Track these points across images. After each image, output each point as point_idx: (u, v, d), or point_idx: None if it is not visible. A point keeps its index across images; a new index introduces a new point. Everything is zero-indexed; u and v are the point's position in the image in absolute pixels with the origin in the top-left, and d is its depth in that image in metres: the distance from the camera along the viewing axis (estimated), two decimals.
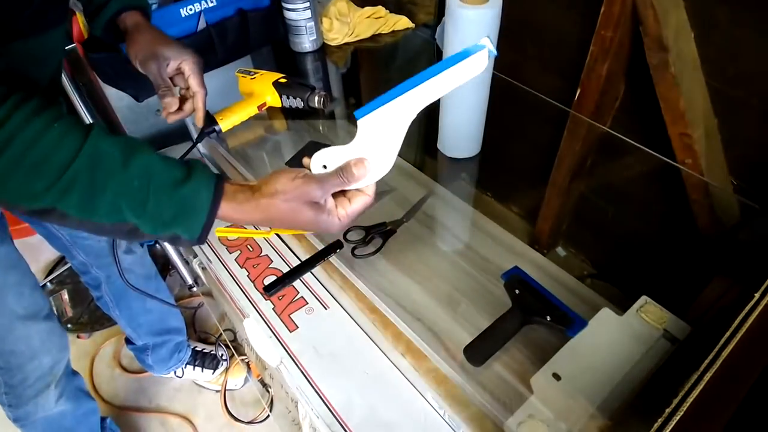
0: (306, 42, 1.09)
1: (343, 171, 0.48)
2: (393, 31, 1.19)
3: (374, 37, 1.18)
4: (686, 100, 0.70)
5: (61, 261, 1.62)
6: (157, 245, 1.23)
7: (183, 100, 0.72)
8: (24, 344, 0.78)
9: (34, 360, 0.80)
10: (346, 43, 1.15)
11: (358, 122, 0.46)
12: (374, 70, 1.17)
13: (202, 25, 0.96)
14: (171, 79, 0.70)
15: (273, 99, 0.83)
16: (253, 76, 0.84)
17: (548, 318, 0.58)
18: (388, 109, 0.44)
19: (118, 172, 0.40)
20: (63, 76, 0.84)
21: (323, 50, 1.14)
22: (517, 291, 0.62)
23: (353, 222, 0.51)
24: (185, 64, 0.69)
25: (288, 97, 0.82)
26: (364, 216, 0.53)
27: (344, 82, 1.12)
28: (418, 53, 1.19)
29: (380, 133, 0.46)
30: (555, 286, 0.67)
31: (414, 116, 0.44)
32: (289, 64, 1.12)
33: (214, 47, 1.00)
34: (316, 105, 0.81)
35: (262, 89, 0.83)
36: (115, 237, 0.46)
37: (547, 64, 0.98)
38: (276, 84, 0.82)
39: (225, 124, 0.79)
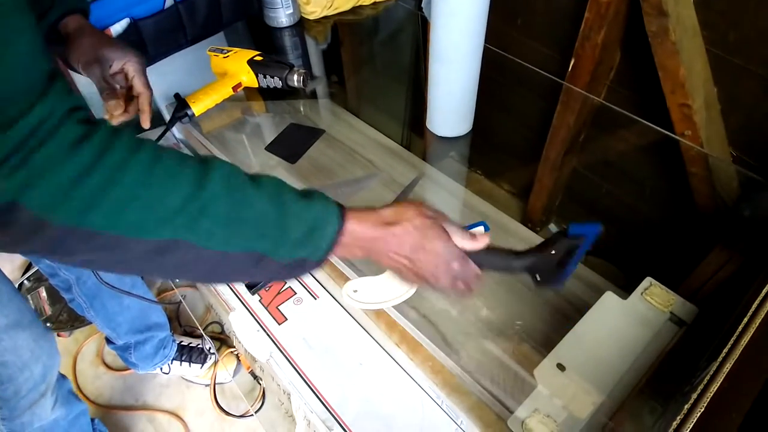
0: (282, 16, 1.03)
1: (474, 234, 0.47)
2: (374, 3, 1.13)
3: (355, 10, 1.12)
4: (686, 69, 0.68)
5: None
6: None
7: (127, 101, 0.70)
8: (12, 354, 0.76)
9: (25, 370, 0.78)
10: (325, 17, 1.10)
11: None
12: (357, 45, 1.12)
13: (169, 2, 0.90)
14: (113, 79, 0.68)
15: (249, 79, 0.78)
16: (226, 55, 0.79)
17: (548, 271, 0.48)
18: None
19: (252, 187, 0.36)
20: None
21: (301, 25, 1.08)
22: (552, 250, 0.48)
23: (464, 277, 0.47)
24: (129, 65, 0.68)
25: (265, 77, 0.77)
26: (353, 201, 0.50)
27: (325, 58, 1.07)
28: (402, 25, 1.14)
29: None
30: None
31: None
32: (265, 40, 1.07)
33: (183, 25, 0.94)
34: (296, 84, 0.76)
35: (237, 68, 0.78)
36: (234, 276, 0.41)
37: (539, 35, 0.94)
38: (251, 62, 0.77)
39: (198, 107, 0.74)
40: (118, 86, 0.69)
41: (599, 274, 0.65)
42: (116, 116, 0.68)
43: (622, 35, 0.78)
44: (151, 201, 0.32)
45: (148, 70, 0.87)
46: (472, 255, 0.47)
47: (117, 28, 0.86)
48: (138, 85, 0.69)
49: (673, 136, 0.75)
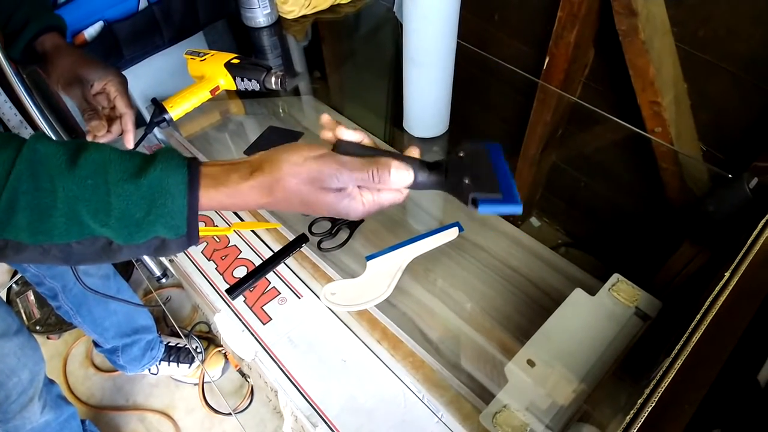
0: (260, 16, 1.03)
1: (378, 167, 0.40)
2: (352, 1, 1.13)
3: (333, 8, 1.12)
4: (656, 67, 0.69)
5: None
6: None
7: (109, 120, 0.69)
8: (0, 363, 0.78)
9: (13, 377, 0.80)
10: (304, 16, 1.09)
11: (368, 264, 0.60)
12: (336, 43, 1.12)
13: (143, 4, 0.89)
14: (95, 99, 0.67)
15: (227, 82, 0.78)
16: (203, 58, 0.79)
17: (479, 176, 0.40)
18: (386, 257, 0.60)
19: (65, 174, 0.33)
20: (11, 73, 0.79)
21: (279, 24, 1.08)
22: (472, 151, 0.43)
23: (378, 211, 0.42)
24: (110, 84, 0.66)
25: (243, 80, 0.76)
26: None
27: (306, 55, 1.06)
28: (381, 23, 1.14)
29: (382, 271, 0.60)
30: (530, 257, 0.67)
31: (405, 263, 0.57)
32: (244, 40, 1.06)
33: (159, 27, 0.93)
34: (273, 86, 0.76)
35: (214, 72, 0.77)
36: (90, 261, 0.37)
37: (515, 32, 0.95)
38: (228, 65, 0.77)
39: (176, 112, 0.74)
40: (99, 106, 0.68)
41: (578, 265, 0.67)
42: (99, 137, 0.67)
43: (594, 34, 0.79)
44: None
45: (125, 73, 0.86)
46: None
47: (91, 32, 0.85)
48: (121, 106, 0.68)
49: (644, 133, 0.77)
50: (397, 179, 0.40)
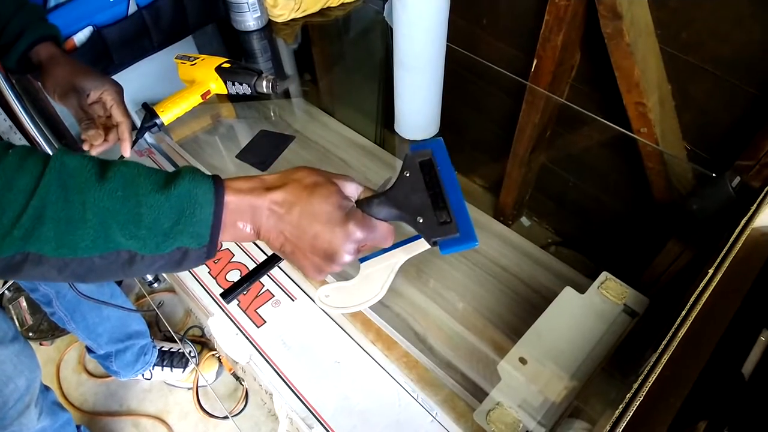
0: (250, 20, 1.03)
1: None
2: (342, 4, 1.13)
3: (323, 12, 1.12)
4: (640, 69, 0.70)
5: None
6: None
7: (105, 129, 0.69)
8: None
9: (10, 384, 0.81)
10: (294, 19, 1.09)
11: (361, 266, 0.55)
12: (327, 46, 1.12)
13: (132, 8, 0.89)
14: (91, 108, 0.68)
15: (218, 86, 0.78)
16: (193, 62, 0.79)
17: (437, 212, 0.40)
18: (379, 259, 0.54)
19: (96, 186, 0.33)
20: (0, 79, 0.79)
21: (270, 28, 1.08)
22: (405, 174, 0.43)
23: (370, 240, 0.42)
24: (106, 94, 0.67)
25: (234, 84, 0.77)
26: None
27: (297, 58, 1.07)
28: (371, 25, 1.14)
29: (375, 273, 0.53)
30: (520, 256, 0.67)
31: (398, 265, 0.52)
32: (234, 44, 1.06)
33: (148, 31, 0.93)
34: (264, 90, 0.77)
35: (205, 76, 0.78)
36: (108, 277, 0.36)
37: (503, 35, 0.96)
38: (219, 70, 0.77)
39: (167, 116, 0.74)
40: (96, 115, 0.68)
41: (567, 264, 0.68)
42: (96, 146, 0.68)
43: (581, 36, 0.80)
44: None
45: (115, 77, 0.86)
46: (364, 208, 0.42)
47: (80, 37, 0.84)
48: (117, 115, 0.68)
49: (630, 134, 0.79)
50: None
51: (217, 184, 0.37)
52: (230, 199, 0.37)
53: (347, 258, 0.40)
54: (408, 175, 0.41)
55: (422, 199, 0.40)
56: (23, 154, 0.33)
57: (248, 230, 0.39)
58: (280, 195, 0.38)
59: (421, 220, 0.40)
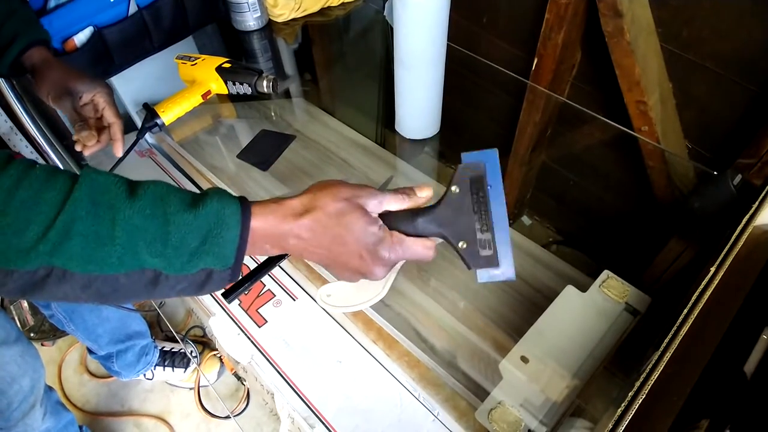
0: (250, 20, 1.03)
1: (404, 188, 0.42)
2: (342, 4, 1.13)
3: (323, 11, 1.12)
4: (641, 67, 0.70)
5: None
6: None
7: (98, 130, 0.70)
8: (2, 370, 0.79)
9: (14, 384, 0.81)
10: (294, 19, 1.09)
11: None
12: (327, 46, 1.12)
13: (133, 9, 0.89)
14: (83, 110, 0.69)
15: (218, 86, 0.78)
16: (194, 62, 0.79)
17: (476, 236, 0.39)
18: None
19: (125, 204, 0.33)
20: (1, 81, 0.79)
21: (270, 27, 1.08)
22: (454, 189, 0.41)
23: (403, 259, 0.42)
24: (98, 96, 0.68)
25: (234, 84, 0.77)
26: None
27: (297, 58, 1.07)
28: (372, 25, 1.14)
29: None
30: (522, 255, 0.67)
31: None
32: (235, 44, 1.06)
33: (148, 32, 0.93)
34: (265, 90, 0.77)
35: (205, 76, 0.78)
36: (132, 297, 0.36)
37: (504, 34, 0.96)
38: (219, 70, 0.77)
39: (167, 116, 0.74)
40: (88, 117, 0.69)
41: (569, 262, 0.68)
42: (90, 147, 0.69)
43: (581, 35, 0.80)
44: (11, 230, 0.31)
45: (116, 78, 0.86)
46: (398, 223, 0.41)
47: (80, 38, 0.85)
48: (109, 116, 0.69)
49: (631, 132, 0.78)
50: (422, 193, 0.43)
51: (244, 206, 0.37)
52: (257, 224, 0.37)
53: (380, 276, 0.41)
54: (457, 191, 0.40)
55: (468, 222, 0.39)
56: (51, 170, 0.33)
57: (274, 251, 0.40)
58: (307, 222, 0.38)
59: (464, 246, 0.39)
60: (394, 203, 0.42)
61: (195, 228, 0.35)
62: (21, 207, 0.31)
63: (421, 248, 0.41)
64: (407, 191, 0.42)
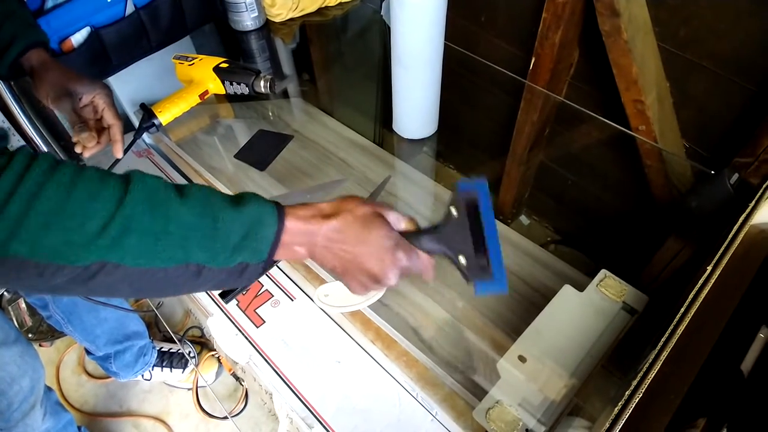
0: (247, 19, 1.03)
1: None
2: (340, 3, 1.13)
3: (321, 11, 1.12)
4: (639, 66, 0.70)
5: None
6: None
7: (98, 131, 0.71)
8: (2, 371, 0.80)
9: (15, 384, 0.81)
10: (291, 19, 1.09)
11: None
12: (325, 45, 1.12)
13: (130, 9, 0.89)
14: (83, 111, 0.69)
15: (215, 86, 0.78)
16: (191, 62, 0.79)
17: (478, 252, 0.43)
18: None
19: (178, 202, 0.36)
20: None
21: (267, 27, 1.08)
22: (452, 211, 0.46)
23: (412, 268, 0.46)
24: (98, 97, 0.69)
25: (231, 84, 0.77)
26: None
27: (295, 58, 1.07)
28: (368, 25, 1.14)
29: None
30: (520, 255, 0.67)
31: None
32: (232, 43, 1.06)
33: (146, 31, 0.93)
34: (262, 90, 0.77)
35: (203, 76, 0.78)
36: (175, 289, 0.39)
37: (502, 33, 0.96)
38: (217, 70, 0.77)
39: (165, 117, 0.74)
40: (88, 119, 0.70)
41: (567, 262, 0.68)
42: (89, 148, 0.69)
43: (579, 34, 0.80)
44: (71, 225, 0.32)
45: (114, 78, 0.86)
46: (413, 240, 0.45)
47: (78, 38, 0.84)
48: (109, 117, 0.70)
49: (628, 132, 0.78)
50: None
51: (279, 208, 0.41)
52: (291, 224, 0.41)
53: (392, 281, 0.44)
54: (455, 213, 0.44)
55: (466, 239, 0.43)
56: (101, 170, 0.36)
57: (303, 251, 0.43)
58: (336, 223, 0.42)
59: (463, 261, 0.43)
60: (407, 224, 0.46)
61: (239, 224, 0.38)
62: (79, 203, 0.33)
63: (427, 262, 0.46)
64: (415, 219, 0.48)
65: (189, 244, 0.36)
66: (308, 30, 1.11)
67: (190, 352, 1.26)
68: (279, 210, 0.40)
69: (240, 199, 0.40)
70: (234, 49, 1.06)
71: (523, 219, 0.98)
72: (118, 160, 0.73)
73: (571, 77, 0.89)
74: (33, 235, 0.31)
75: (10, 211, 0.31)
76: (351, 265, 0.43)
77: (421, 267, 0.45)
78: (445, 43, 0.74)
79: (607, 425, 0.35)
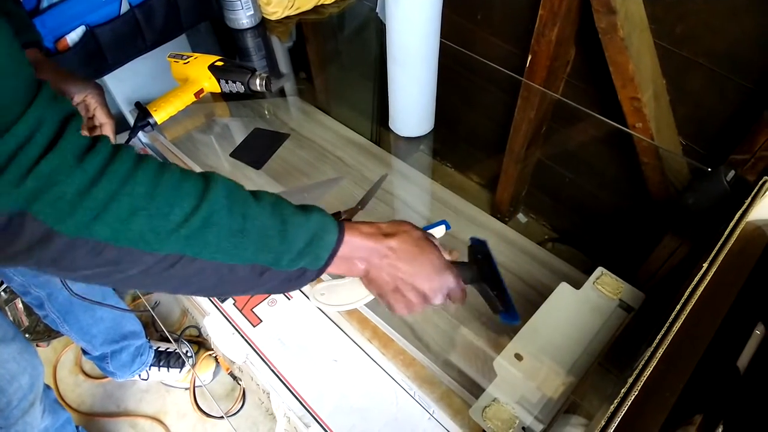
0: (243, 18, 1.02)
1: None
2: (336, 1, 1.13)
3: (317, 9, 1.12)
4: (635, 63, 0.70)
5: None
6: None
7: (90, 131, 0.71)
8: (1, 368, 0.80)
9: (14, 382, 0.81)
10: (287, 17, 1.09)
11: None
12: (321, 44, 1.12)
13: (125, 7, 0.88)
14: None
15: (211, 84, 0.78)
16: (186, 61, 0.78)
17: (494, 292, 0.51)
18: None
19: (254, 203, 0.38)
20: None
21: (263, 25, 1.07)
22: (478, 256, 0.55)
23: (453, 291, 0.49)
24: (90, 97, 0.69)
25: (227, 82, 0.76)
26: (320, 204, 0.51)
27: (291, 56, 1.06)
28: (365, 23, 1.14)
29: None
30: (517, 253, 0.67)
31: None
32: (228, 42, 1.06)
33: (141, 30, 0.92)
34: (258, 88, 0.76)
35: (198, 74, 0.77)
36: (240, 288, 0.40)
37: (498, 30, 0.96)
38: (212, 68, 0.77)
39: (160, 115, 0.73)
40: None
41: (564, 259, 0.68)
42: None
43: (575, 31, 0.80)
44: (156, 213, 0.33)
45: (109, 77, 0.86)
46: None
47: (73, 37, 0.84)
48: (101, 116, 0.70)
49: (625, 129, 0.78)
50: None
51: (339, 221, 0.43)
52: (353, 238, 0.43)
53: (439, 301, 0.47)
54: (481, 258, 0.51)
55: (493, 278, 0.49)
56: (182, 169, 0.36)
57: (361, 266, 0.45)
58: (395, 242, 0.45)
59: (495, 293, 0.49)
60: (450, 254, 0.50)
61: (305, 230, 0.40)
62: (167, 192, 0.33)
63: (463, 289, 0.49)
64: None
65: (260, 244, 0.37)
66: (304, 28, 1.10)
67: (187, 351, 1.26)
68: (340, 223, 0.43)
69: (305, 208, 0.42)
70: (230, 48, 1.05)
71: (521, 217, 0.98)
72: None
73: (568, 75, 0.89)
74: (118, 218, 0.32)
75: (96, 194, 0.31)
76: (402, 283, 0.45)
77: (458, 293, 0.48)
78: (440, 41, 0.74)
79: (604, 422, 0.35)
